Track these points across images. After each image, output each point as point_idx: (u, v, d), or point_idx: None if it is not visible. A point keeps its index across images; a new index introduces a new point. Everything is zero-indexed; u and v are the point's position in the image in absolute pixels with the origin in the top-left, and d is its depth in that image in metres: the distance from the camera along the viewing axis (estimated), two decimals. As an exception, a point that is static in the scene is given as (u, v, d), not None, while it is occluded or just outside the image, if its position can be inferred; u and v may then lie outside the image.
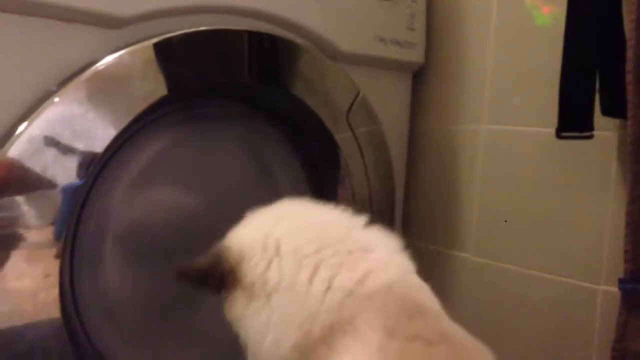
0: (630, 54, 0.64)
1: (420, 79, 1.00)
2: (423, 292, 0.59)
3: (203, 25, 0.72)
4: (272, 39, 0.78)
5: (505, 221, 0.89)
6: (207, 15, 0.74)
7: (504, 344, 0.88)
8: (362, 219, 0.65)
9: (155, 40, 0.69)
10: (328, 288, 0.57)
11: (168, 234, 0.79)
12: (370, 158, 0.88)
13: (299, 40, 0.81)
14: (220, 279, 0.60)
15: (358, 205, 0.87)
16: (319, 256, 0.59)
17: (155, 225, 0.79)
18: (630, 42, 0.65)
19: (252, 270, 0.59)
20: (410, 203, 1.01)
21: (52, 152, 0.62)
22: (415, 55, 0.96)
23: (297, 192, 0.89)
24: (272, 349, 0.56)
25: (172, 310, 0.80)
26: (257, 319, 0.58)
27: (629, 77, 0.64)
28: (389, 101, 0.95)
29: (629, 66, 0.64)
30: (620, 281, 0.66)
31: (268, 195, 0.86)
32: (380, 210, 0.91)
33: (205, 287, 0.61)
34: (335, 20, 0.84)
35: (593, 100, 0.71)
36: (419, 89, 1.01)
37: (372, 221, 0.72)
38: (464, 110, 0.95)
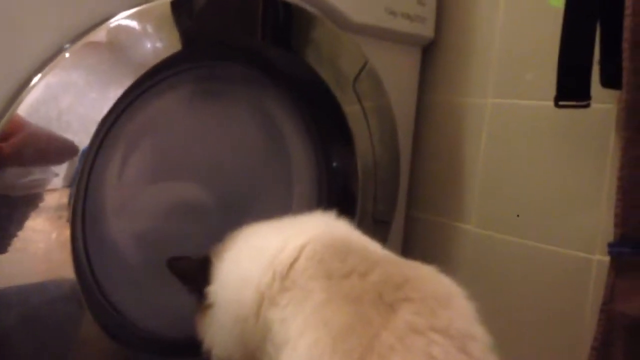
0: (627, 22, 0.66)
1: (430, 52, 1.03)
2: (356, 237, 0.62)
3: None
4: (286, 5, 0.81)
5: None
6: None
7: (503, 310, 0.90)
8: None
9: None
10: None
11: (173, 192, 0.83)
12: (376, 127, 0.91)
13: (311, 8, 0.84)
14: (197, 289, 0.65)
15: (362, 172, 0.89)
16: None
17: (161, 184, 0.83)
18: (627, 11, 0.66)
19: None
20: (416, 174, 1.04)
21: (66, 105, 0.65)
22: (426, 29, 0.98)
23: (305, 157, 0.93)
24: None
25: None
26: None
27: (625, 45, 0.66)
28: (398, 73, 0.98)
29: (626, 34, 0.66)
30: (609, 245, 0.67)
31: (279, 160, 0.90)
32: (383, 180, 0.93)
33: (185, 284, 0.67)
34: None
35: (590, 69, 0.72)
36: (429, 62, 1.03)
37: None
38: (471, 84, 0.97)
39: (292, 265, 0.59)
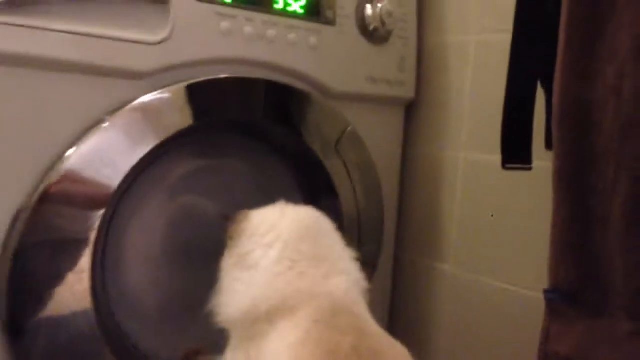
0: (554, 94, 0.76)
1: (413, 109, 1.14)
2: (356, 303, 0.75)
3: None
4: (283, 86, 0.95)
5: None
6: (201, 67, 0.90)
7: (478, 352, 1.01)
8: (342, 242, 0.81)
9: (187, 83, 0.87)
10: (288, 283, 0.74)
11: (183, 237, 0.97)
12: (359, 181, 1.03)
13: (298, 83, 0.97)
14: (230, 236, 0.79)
15: (347, 221, 1.02)
16: (296, 261, 0.75)
17: (173, 229, 0.97)
18: (555, 84, 0.76)
19: (247, 243, 0.77)
20: (403, 220, 1.15)
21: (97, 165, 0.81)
22: (406, 92, 1.11)
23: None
24: (230, 306, 0.75)
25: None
26: (231, 277, 0.77)
27: (553, 115, 0.76)
28: (382, 131, 1.10)
29: (553, 100, 0.76)
30: (544, 291, 0.77)
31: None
32: (368, 229, 1.05)
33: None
34: (329, 65, 1.00)
35: (530, 134, 0.83)
36: (412, 118, 1.15)
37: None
38: (447, 138, 1.08)
39: None
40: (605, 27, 0.72)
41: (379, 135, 1.09)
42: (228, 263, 0.80)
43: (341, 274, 0.77)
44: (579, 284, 0.75)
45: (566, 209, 0.76)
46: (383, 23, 1.03)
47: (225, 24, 0.89)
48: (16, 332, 0.79)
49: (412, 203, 1.15)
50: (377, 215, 1.07)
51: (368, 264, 1.07)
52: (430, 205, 1.11)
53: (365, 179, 1.05)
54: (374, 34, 1.04)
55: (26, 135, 0.77)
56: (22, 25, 0.73)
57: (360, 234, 1.05)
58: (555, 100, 0.76)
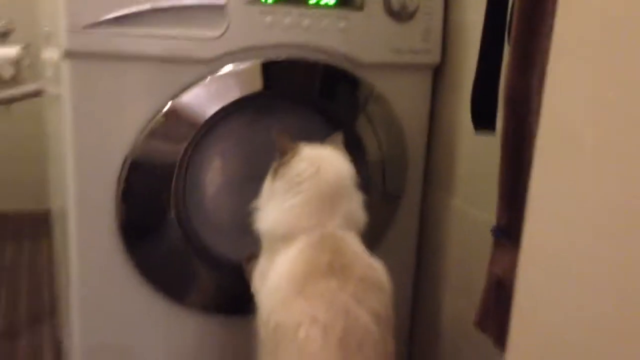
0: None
1: (440, 71, 1.36)
2: (345, 235, 1.05)
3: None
4: (329, 67, 1.25)
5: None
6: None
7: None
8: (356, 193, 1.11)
9: (262, 59, 1.21)
10: (301, 218, 1.05)
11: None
12: (385, 137, 1.31)
13: (331, 59, 1.25)
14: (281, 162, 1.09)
15: (372, 169, 1.30)
16: (318, 197, 1.06)
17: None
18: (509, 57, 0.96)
19: (285, 179, 1.08)
20: (431, 165, 1.41)
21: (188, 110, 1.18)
22: (431, 58, 1.33)
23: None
24: (261, 222, 1.09)
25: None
26: (267, 199, 1.10)
27: (503, 95, 0.98)
28: (410, 93, 1.34)
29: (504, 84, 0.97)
30: (491, 229, 1.02)
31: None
32: (392, 173, 1.34)
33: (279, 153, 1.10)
34: (357, 42, 1.25)
35: (496, 105, 1.04)
36: (439, 80, 1.37)
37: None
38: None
39: None
40: (540, 30, 0.92)
41: (407, 97, 1.33)
42: (269, 186, 1.12)
43: (341, 217, 1.07)
44: (510, 222, 0.99)
45: (507, 171, 0.99)
46: (407, 6, 1.26)
47: (268, 19, 1.18)
48: (134, 236, 1.19)
49: (438, 152, 1.40)
50: (401, 159, 1.34)
51: (393, 200, 1.36)
52: (452, 152, 1.35)
53: (390, 133, 1.32)
54: (400, 13, 1.27)
55: (139, 97, 1.15)
56: (129, 34, 1.10)
57: (384, 178, 1.33)
58: (504, 86, 0.98)
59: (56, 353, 1.70)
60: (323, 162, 1.10)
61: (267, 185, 1.13)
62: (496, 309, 1.04)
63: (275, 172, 1.11)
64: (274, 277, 1.03)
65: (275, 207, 1.09)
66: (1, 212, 2.65)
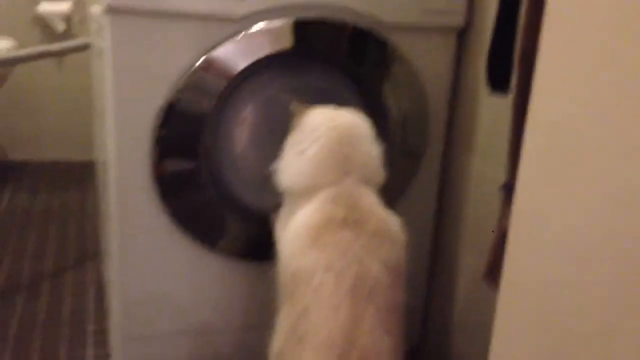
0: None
1: (464, 34, 1.40)
2: (362, 190, 1.11)
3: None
4: (358, 28, 1.30)
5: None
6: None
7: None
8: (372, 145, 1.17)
9: (293, 19, 1.26)
10: (318, 174, 1.12)
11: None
12: (406, 95, 1.36)
13: (357, 20, 1.29)
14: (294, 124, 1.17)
15: (393, 127, 1.36)
16: (333, 157, 1.13)
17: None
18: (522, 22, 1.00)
19: (302, 134, 1.15)
20: (454, 123, 1.45)
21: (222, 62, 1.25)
22: (456, 21, 1.36)
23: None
24: (282, 177, 1.17)
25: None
26: (287, 156, 1.17)
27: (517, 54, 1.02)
28: (434, 55, 1.38)
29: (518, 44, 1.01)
30: (500, 187, 1.07)
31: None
32: (412, 131, 1.39)
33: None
34: (385, 1, 1.30)
35: (511, 67, 1.08)
36: (463, 42, 1.40)
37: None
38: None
39: None
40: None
41: (431, 59, 1.37)
42: (289, 143, 1.19)
43: (358, 173, 1.13)
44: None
45: (517, 130, 1.03)
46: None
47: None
48: (167, 183, 1.28)
49: (459, 112, 1.44)
50: (423, 119, 1.39)
51: (414, 158, 1.41)
52: (473, 113, 1.39)
53: (413, 93, 1.37)
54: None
55: (175, 52, 1.23)
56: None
57: (406, 137, 1.38)
58: (518, 47, 1.02)
59: (99, 291, 1.84)
60: (338, 117, 1.17)
61: (287, 143, 1.19)
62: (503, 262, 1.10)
63: (294, 127, 1.18)
64: (293, 228, 1.11)
65: (294, 163, 1.16)
66: (52, 161, 2.81)
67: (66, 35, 2.69)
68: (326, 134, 1.14)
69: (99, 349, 1.59)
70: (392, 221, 1.12)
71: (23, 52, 1.94)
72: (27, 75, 2.60)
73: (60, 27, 2.66)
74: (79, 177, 2.69)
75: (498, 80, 1.11)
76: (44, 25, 2.69)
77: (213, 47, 1.24)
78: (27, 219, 2.29)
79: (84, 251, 2.10)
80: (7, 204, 2.40)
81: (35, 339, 1.61)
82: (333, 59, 1.36)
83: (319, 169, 1.13)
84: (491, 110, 1.34)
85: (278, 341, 1.09)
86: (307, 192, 1.12)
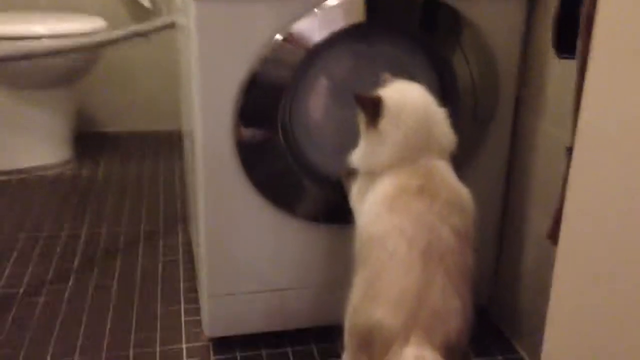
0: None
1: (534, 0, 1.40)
2: (438, 165, 1.18)
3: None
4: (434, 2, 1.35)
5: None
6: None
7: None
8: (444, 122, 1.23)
9: None
10: (398, 156, 1.18)
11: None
12: (476, 65, 1.38)
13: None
14: (374, 113, 1.20)
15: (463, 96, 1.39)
16: (413, 140, 1.18)
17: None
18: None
19: (383, 122, 1.20)
20: (523, 91, 1.47)
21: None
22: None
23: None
24: (360, 160, 1.24)
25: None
26: (367, 141, 1.23)
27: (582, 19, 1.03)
28: (503, 22, 1.39)
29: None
30: (566, 148, 1.10)
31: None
32: (484, 98, 1.42)
33: (364, 111, 1.21)
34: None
35: (577, 31, 1.09)
36: (532, 8, 1.41)
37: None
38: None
39: None
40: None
41: (501, 27, 1.39)
42: (365, 129, 1.24)
43: (432, 150, 1.19)
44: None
45: (580, 94, 1.05)
46: None
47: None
48: (248, 151, 1.38)
49: (529, 78, 1.45)
50: (493, 85, 1.42)
51: (484, 125, 1.45)
52: (542, 78, 1.41)
53: (484, 61, 1.40)
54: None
55: (255, 27, 1.31)
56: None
57: (476, 104, 1.42)
58: (582, 12, 1.04)
59: (188, 252, 1.99)
60: (414, 98, 1.22)
61: (363, 128, 1.25)
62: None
63: (367, 126, 1.23)
64: (371, 199, 1.19)
65: (374, 149, 1.22)
66: (142, 132, 2.99)
67: (153, 10, 2.83)
68: (407, 119, 1.19)
69: (191, 304, 1.73)
70: (463, 192, 1.19)
71: (113, 34, 2.07)
72: (118, 51, 2.76)
73: (147, 2, 2.80)
74: (168, 146, 2.86)
75: (564, 45, 1.13)
76: (131, 1, 2.84)
77: (290, 22, 1.31)
78: (121, 187, 2.47)
79: (174, 216, 2.25)
80: (103, 172, 2.59)
81: (134, 296, 1.78)
82: (404, 29, 1.41)
83: (400, 152, 1.20)
84: (559, 74, 1.35)
85: (353, 300, 1.18)
86: (384, 172, 1.19)
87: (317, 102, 1.45)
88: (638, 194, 0.73)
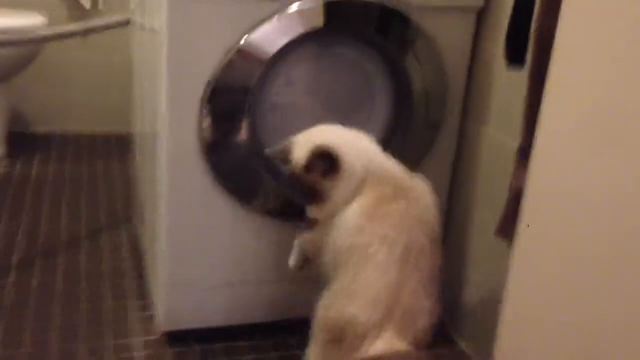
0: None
1: (483, 13, 1.53)
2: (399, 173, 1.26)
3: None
4: (385, 8, 1.44)
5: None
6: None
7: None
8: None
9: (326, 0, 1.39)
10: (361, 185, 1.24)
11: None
12: (429, 70, 1.49)
13: (386, 0, 1.43)
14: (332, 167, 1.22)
15: (417, 99, 1.50)
16: (366, 171, 1.24)
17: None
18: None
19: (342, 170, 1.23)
20: (470, 95, 1.59)
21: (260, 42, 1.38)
22: (476, 1, 1.50)
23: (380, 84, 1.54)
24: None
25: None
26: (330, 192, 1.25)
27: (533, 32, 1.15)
28: (454, 33, 1.51)
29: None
30: (516, 150, 1.22)
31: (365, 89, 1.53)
32: (434, 103, 1.53)
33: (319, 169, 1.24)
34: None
35: (527, 43, 1.21)
36: (482, 21, 1.54)
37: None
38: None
39: None
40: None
41: (452, 37, 1.51)
42: (315, 183, 1.25)
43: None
44: (531, 144, 1.17)
45: (532, 100, 1.17)
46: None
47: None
48: (212, 149, 1.42)
49: (476, 86, 1.58)
50: (442, 91, 1.53)
51: (434, 128, 1.56)
52: (489, 87, 1.53)
53: (434, 68, 1.51)
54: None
55: (220, 30, 1.36)
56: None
57: (427, 108, 1.52)
58: (534, 25, 1.16)
59: (134, 249, 1.98)
60: (352, 149, 1.26)
61: (310, 187, 1.26)
62: (514, 218, 1.24)
63: (319, 180, 1.25)
64: (349, 212, 1.22)
65: (334, 203, 1.25)
66: (76, 134, 2.94)
67: (91, 12, 2.81)
68: (359, 161, 1.25)
69: (140, 300, 1.74)
70: (423, 187, 1.26)
71: (66, 28, 2.06)
72: (52, 50, 2.71)
73: (87, 3, 2.77)
74: (105, 148, 2.83)
75: (515, 55, 1.25)
76: (70, 1, 2.80)
77: (256, 26, 1.37)
78: (58, 187, 2.42)
79: (115, 215, 2.23)
80: (37, 173, 2.53)
81: (79, 292, 1.76)
82: (361, 36, 1.50)
83: (360, 185, 1.24)
84: (503, 84, 1.48)
85: (327, 297, 1.23)
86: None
87: (279, 102, 1.52)
88: (597, 191, 0.81)
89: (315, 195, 1.26)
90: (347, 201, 1.24)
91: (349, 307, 1.16)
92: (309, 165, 1.25)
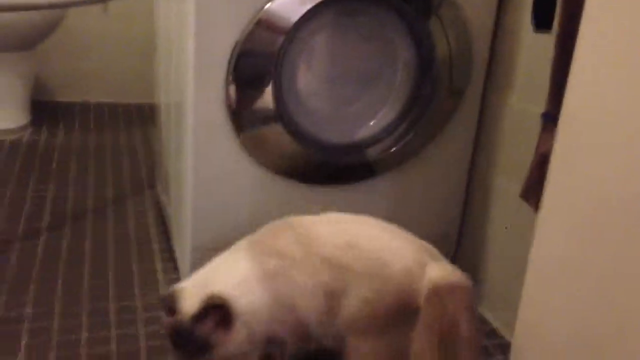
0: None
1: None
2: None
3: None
4: None
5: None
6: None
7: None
8: None
9: None
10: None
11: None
12: (453, 36, 1.50)
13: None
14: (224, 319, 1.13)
15: (441, 65, 1.51)
16: None
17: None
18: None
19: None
20: (494, 63, 1.60)
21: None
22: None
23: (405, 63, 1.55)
24: None
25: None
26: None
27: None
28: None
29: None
30: (541, 114, 1.23)
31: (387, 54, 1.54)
32: (458, 71, 1.53)
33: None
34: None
35: (554, 6, 1.21)
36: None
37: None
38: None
39: None
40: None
41: (476, 2, 1.51)
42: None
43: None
44: (557, 109, 1.19)
45: (558, 64, 1.18)
46: None
47: None
48: (238, 116, 1.44)
49: (500, 52, 1.58)
50: (467, 57, 1.54)
51: (457, 94, 1.57)
52: (513, 53, 1.54)
53: (459, 34, 1.51)
54: None
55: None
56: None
57: (451, 74, 1.53)
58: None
59: (158, 216, 2.03)
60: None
61: None
62: (539, 182, 1.26)
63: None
64: None
65: None
66: (97, 103, 2.97)
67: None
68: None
69: (166, 263, 1.78)
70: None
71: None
72: (73, 20, 2.73)
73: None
74: (126, 117, 2.86)
75: (542, 21, 1.25)
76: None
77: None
78: (84, 155, 2.47)
79: (140, 181, 2.28)
80: (62, 141, 2.57)
81: (108, 254, 1.80)
82: (385, 2, 1.50)
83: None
84: (528, 51, 1.49)
85: None
86: None
87: (303, 69, 1.53)
88: (625, 154, 0.80)
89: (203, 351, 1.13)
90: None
91: None
92: (199, 315, 1.12)
